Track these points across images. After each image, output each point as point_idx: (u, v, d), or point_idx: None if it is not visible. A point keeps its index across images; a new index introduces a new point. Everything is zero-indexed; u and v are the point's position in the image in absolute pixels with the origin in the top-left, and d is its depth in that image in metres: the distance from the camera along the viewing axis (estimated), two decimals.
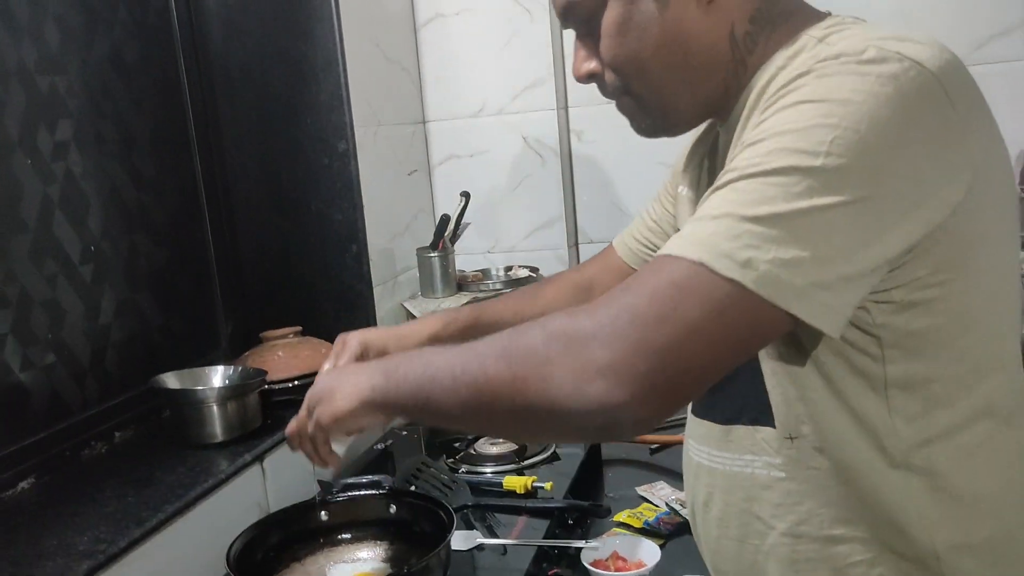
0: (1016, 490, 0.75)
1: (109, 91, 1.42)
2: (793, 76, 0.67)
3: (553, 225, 1.99)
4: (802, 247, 0.61)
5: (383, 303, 1.74)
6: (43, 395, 1.25)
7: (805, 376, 0.74)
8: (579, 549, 1.18)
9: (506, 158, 1.99)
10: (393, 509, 1.19)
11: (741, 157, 0.66)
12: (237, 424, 1.33)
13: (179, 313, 1.56)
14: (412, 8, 1.97)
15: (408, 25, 1.96)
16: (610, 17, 0.78)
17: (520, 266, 1.99)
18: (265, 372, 1.41)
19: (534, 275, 1.92)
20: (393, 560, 1.17)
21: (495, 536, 1.20)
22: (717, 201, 0.65)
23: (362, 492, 1.22)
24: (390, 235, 1.81)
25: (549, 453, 1.45)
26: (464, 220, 1.90)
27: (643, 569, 1.14)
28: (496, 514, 1.27)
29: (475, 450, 1.49)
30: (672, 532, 1.26)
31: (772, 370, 0.76)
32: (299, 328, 1.57)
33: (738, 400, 0.80)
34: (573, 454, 1.46)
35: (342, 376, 0.86)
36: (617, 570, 1.15)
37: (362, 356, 1.00)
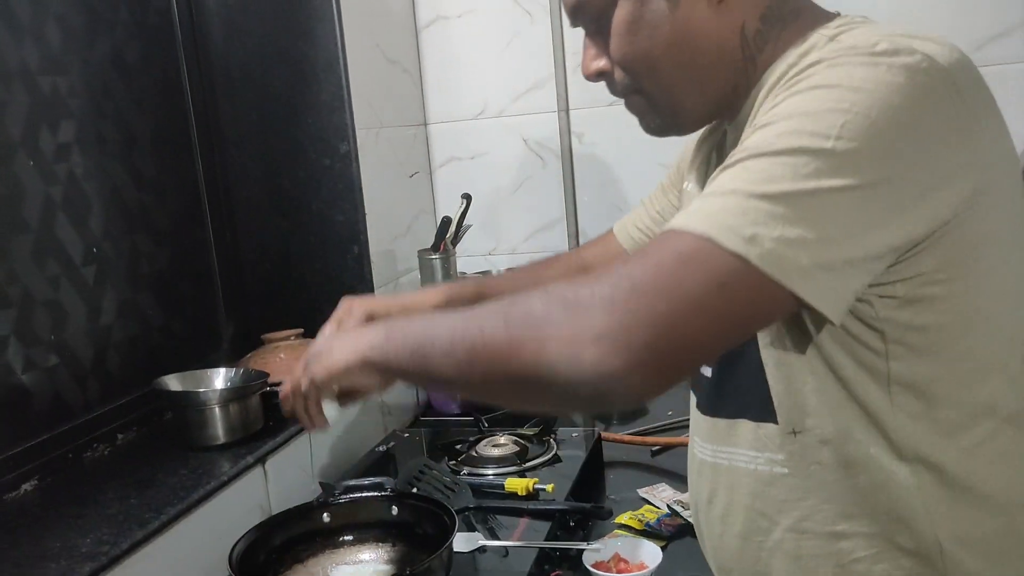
0: (1020, 489, 0.75)
1: (110, 92, 1.42)
2: (805, 65, 0.68)
3: (554, 227, 1.99)
4: (808, 227, 0.61)
5: None
6: (45, 397, 1.25)
7: (812, 368, 0.73)
8: (581, 551, 1.18)
9: (507, 160, 1.99)
10: (395, 511, 1.19)
11: (752, 138, 0.66)
12: (239, 426, 1.33)
13: (180, 315, 1.56)
14: (413, 10, 1.97)
15: (409, 27, 1.96)
16: (620, 15, 0.78)
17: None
18: (267, 374, 1.41)
19: None
20: (395, 562, 1.17)
21: (497, 538, 1.20)
22: (725, 179, 0.65)
23: (364, 494, 1.22)
24: (391, 237, 1.81)
25: (551, 456, 1.45)
26: (465, 222, 1.90)
27: (645, 571, 1.14)
28: (498, 516, 1.27)
29: (477, 452, 1.49)
30: (674, 534, 1.26)
31: (777, 363, 0.76)
32: (300, 330, 1.57)
33: (741, 396, 0.80)
34: (575, 456, 1.46)
35: (342, 335, 0.87)
36: (619, 572, 1.15)
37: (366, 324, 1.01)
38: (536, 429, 1.54)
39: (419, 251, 1.88)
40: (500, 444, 1.50)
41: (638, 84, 0.81)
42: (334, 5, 1.59)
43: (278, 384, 1.42)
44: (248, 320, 1.70)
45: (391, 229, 1.81)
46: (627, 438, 1.58)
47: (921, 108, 0.64)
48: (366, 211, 1.66)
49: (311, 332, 1.58)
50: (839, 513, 0.76)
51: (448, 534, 1.06)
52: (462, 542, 1.17)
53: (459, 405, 1.82)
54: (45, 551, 1.01)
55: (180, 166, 1.60)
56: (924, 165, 0.64)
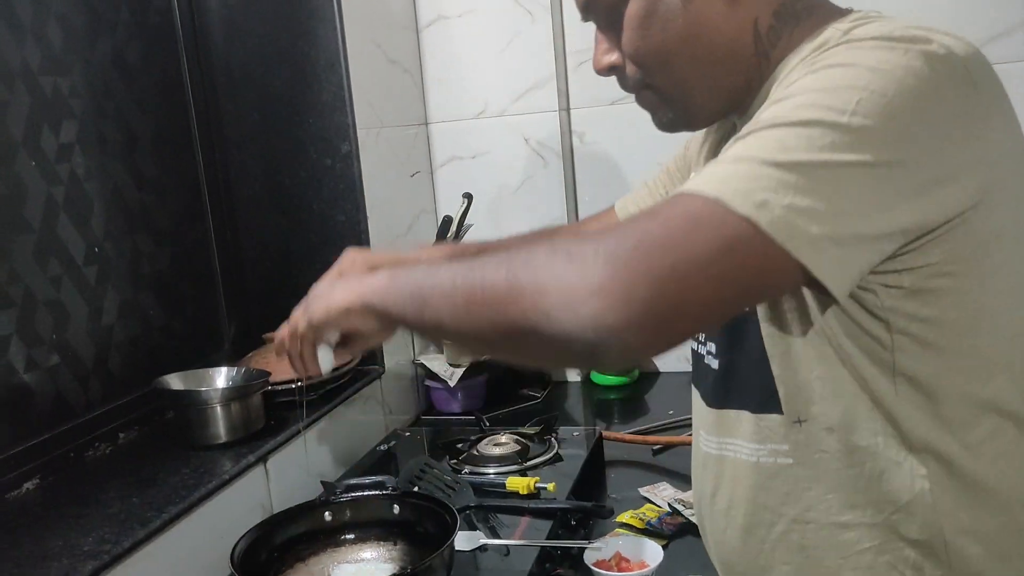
0: (1022, 487, 0.74)
1: (111, 92, 1.42)
2: (823, 49, 0.68)
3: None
4: (819, 198, 0.60)
5: None
6: (47, 396, 1.26)
7: (820, 356, 0.73)
8: (582, 550, 1.18)
9: (508, 159, 1.99)
10: (396, 510, 1.19)
11: (766, 112, 0.66)
12: (240, 425, 1.33)
13: (182, 314, 1.56)
14: (414, 10, 1.97)
15: (410, 27, 1.96)
16: (633, 9, 0.77)
17: None
18: (268, 373, 1.41)
19: None
20: (396, 560, 1.17)
21: (498, 537, 1.20)
22: (739, 148, 0.65)
23: (366, 493, 1.23)
24: (392, 236, 1.81)
25: (552, 454, 1.45)
26: (466, 221, 1.89)
27: (646, 570, 1.14)
28: (499, 515, 1.27)
29: (478, 451, 1.49)
30: (675, 532, 1.26)
31: (784, 352, 0.76)
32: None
33: (748, 387, 0.80)
34: (576, 455, 1.46)
35: (344, 279, 0.86)
36: (620, 570, 1.15)
37: None
38: (537, 428, 1.55)
39: None
40: (501, 443, 1.50)
41: (650, 79, 0.81)
42: (335, 5, 1.59)
43: (279, 383, 1.43)
44: (249, 319, 1.70)
45: (392, 229, 1.81)
46: (628, 437, 1.58)
47: (938, 95, 0.64)
48: (367, 211, 1.66)
49: None
50: (844, 503, 0.75)
51: (449, 533, 1.07)
52: (463, 541, 1.17)
53: (461, 404, 1.83)
54: (47, 550, 1.01)
55: (181, 166, 1.60)
56: (938, 151, 0.64)
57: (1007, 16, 1.66)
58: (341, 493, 1.22)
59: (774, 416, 0.77)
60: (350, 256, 1.03)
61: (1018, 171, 0.70)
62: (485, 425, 1.63)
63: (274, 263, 1.71)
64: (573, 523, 1.29)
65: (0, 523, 1.09)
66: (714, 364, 0.85)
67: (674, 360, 1.95)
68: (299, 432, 1.37)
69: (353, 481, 1.27)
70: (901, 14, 0.69)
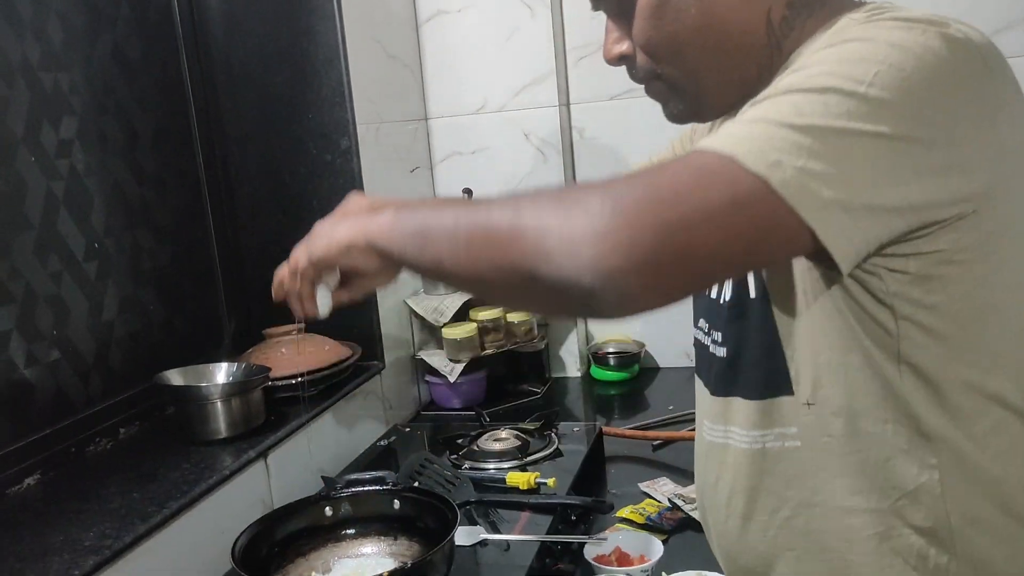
0: None
1: (112, 88, 1.42)
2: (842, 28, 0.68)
3: None
4: (832, 163, 0.60)
5: (385, 300, 1.74)
6: (48, 392, 1.26)
7: (829, 339, 0.73)
8: (582, 544, 1.18)
9: (508, 155, 1.98)
10: (397, 505, 1.20)
11: (783, 81, 0.66)
12: (241, 421, 1.33)
13: (182, 310, 1.56)
14: (414, 5, 1.97)
15: (410, 22, 1.96)
16: None
17: None
18: (268, 369, 1.41)
19: None
20: (397, 555, 1.17)
21: (498, 532, 1.20)
22: (755, 111, 0.64)
23: (366, 488, 1.23)
24: None
25: (552, 450, 1.45)
26: None
27: (646, 564, 1.15)
28: (499, 510, 1.27)
29: (478, 446, 1.49)
30: (674, 527, 1.26)
31: (793, 335, 0.75)
32: (302, 325, 1.57)
33: (754, 373, 0.79)
34: (576, 451, 1.46)
35: (347, 217, 0.84)
36: (620, 565, 1.15)
37: None
38: (537, 424, 1.55)
39: None
40: (501, 438, 1.51)
41: (661, 69, 0.80)
42: (334, 1, 1.59)
43: (280, 379, 1.43)
44: (249, 315, 1.70)
45: None
46: (628, 432, 1.59)
47: (955, 77, 0.64)
48: None
49: (312, 327, 1.59)
50: (849, 488, 0.75)
51: (450, 528, 1.07)
52: (464, 536, 1.17)
53: (461, 400, 1.83)
54: (48, 545, 1.02)
55: (181, 162, 1.60)
56: (950, 137, 0.63)
57: (1012, 12, 1.67)
58: (341, 488, 1.22)
59: (784, 398, 0.77)
60: (355, 199, 1.02)
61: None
62: (485, 420, 1.63)
63: (274, 259, 1.69)
64: (573, 518, 1.30)
65: (1, 518, 1.09)
66: (720, 352, 0.84)
67: (674, 356, 1.95)
68: (301, 425, 1.37)
69: (353, 476, 1.27)
70: (911, 6, 0.69)
